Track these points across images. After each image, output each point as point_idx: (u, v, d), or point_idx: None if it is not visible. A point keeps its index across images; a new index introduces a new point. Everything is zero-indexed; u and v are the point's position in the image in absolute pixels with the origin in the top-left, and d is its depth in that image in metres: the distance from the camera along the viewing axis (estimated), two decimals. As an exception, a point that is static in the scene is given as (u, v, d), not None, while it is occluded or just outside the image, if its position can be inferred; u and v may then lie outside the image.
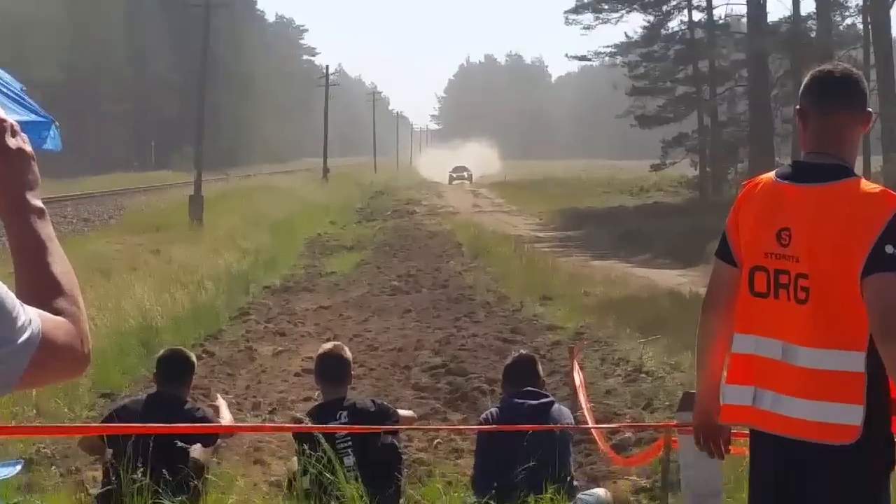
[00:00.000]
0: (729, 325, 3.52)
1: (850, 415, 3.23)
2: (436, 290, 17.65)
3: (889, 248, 3.18)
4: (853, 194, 3.30)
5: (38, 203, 1.70)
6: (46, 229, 1.69)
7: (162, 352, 6.72)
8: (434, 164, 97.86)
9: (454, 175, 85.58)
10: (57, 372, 1.63)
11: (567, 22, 47.50)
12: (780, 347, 3.35)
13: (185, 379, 6.43)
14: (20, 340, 1.50)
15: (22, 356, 1.51)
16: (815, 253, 3.29)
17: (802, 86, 3.53)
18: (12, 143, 1.70)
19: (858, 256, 3.20)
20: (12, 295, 1.52)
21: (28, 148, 1.72)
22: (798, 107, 3.50)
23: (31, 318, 1.53)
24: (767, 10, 43.42)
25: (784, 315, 3.35)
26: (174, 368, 6.41)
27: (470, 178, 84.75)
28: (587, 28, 47.51)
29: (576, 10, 47.81)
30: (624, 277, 20.26)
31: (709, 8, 46.59)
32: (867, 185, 3.32)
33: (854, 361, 3.24)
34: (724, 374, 3.59)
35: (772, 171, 3.59)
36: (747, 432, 3.61)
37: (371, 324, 14.46)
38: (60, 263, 1.68)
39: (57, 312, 1.61)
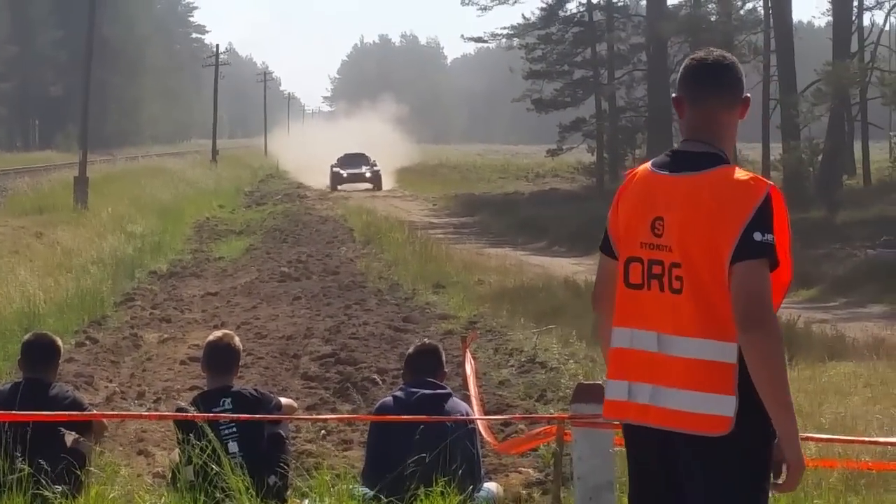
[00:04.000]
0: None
1: (723, 406, 3.23)
2: (326, 277, 17.46)
3: (757, 235, 3.20)
4: (723, 182, 3.30)
5: None
6: None
7: (26, 336, 6.56)
8: (310, 158, 56.18)
9: (344, 173, 47.86)
10: None
11: (463, 2, 47.06)
12: (656, 339, 3.34)
13: (51, 364, 6.29)
14: None
15: None
16: (686, 242, 3.29)
17: (678, 74, 3.53)
18: None
19: (727, 244, 3.21)
20: None
21: None
22: (674, 95, 3.51)
23: None
24: (667, -8, 43.24)
25: (658, 306, 3.34)
26: (40, 353, 6.27)
27: (376, 178, 48.22)
28: (484, 9, 46.97)
29: (473, -10, 47.29)
30: (519, 265, 20.36)
31: (608, -10, 46.16)
32: (738, 173, 3.32)
33: (726, 352, 3.24)
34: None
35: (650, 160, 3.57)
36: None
37: (260, 311, 14.23)
38: None
39: None
